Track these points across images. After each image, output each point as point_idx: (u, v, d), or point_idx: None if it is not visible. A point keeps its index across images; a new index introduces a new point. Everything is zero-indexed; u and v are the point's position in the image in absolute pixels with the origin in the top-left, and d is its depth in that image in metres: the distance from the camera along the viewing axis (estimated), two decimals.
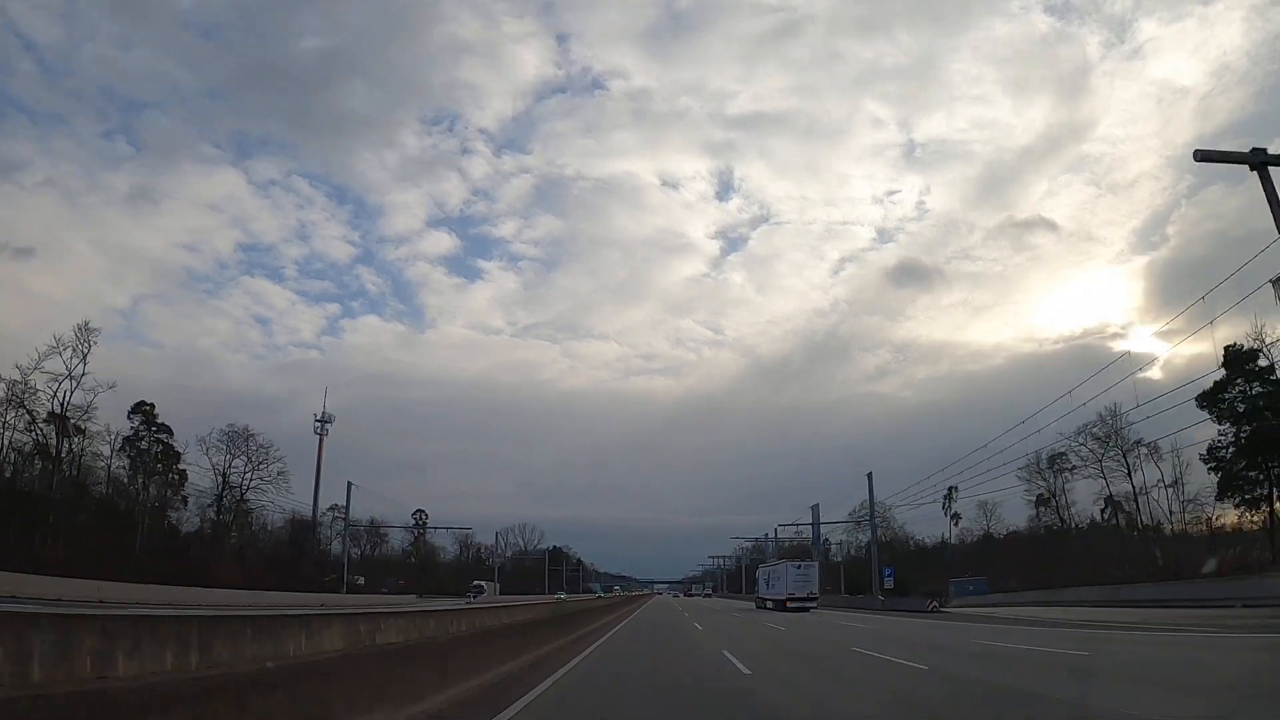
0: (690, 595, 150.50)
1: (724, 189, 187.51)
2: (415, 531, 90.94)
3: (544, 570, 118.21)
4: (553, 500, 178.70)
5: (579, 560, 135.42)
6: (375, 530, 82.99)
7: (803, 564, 52.11)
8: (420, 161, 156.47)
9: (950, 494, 70.98)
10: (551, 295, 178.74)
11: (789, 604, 49.30)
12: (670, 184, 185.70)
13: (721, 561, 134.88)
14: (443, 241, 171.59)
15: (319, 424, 69.66)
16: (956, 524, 77.08)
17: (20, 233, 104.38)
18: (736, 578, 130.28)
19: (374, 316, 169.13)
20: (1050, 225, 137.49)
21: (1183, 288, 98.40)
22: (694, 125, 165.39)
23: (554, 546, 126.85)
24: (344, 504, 67.47)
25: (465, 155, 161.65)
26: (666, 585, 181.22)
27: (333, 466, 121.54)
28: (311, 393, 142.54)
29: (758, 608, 59.10)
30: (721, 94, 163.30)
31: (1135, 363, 26.70)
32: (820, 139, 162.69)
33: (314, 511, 67.85)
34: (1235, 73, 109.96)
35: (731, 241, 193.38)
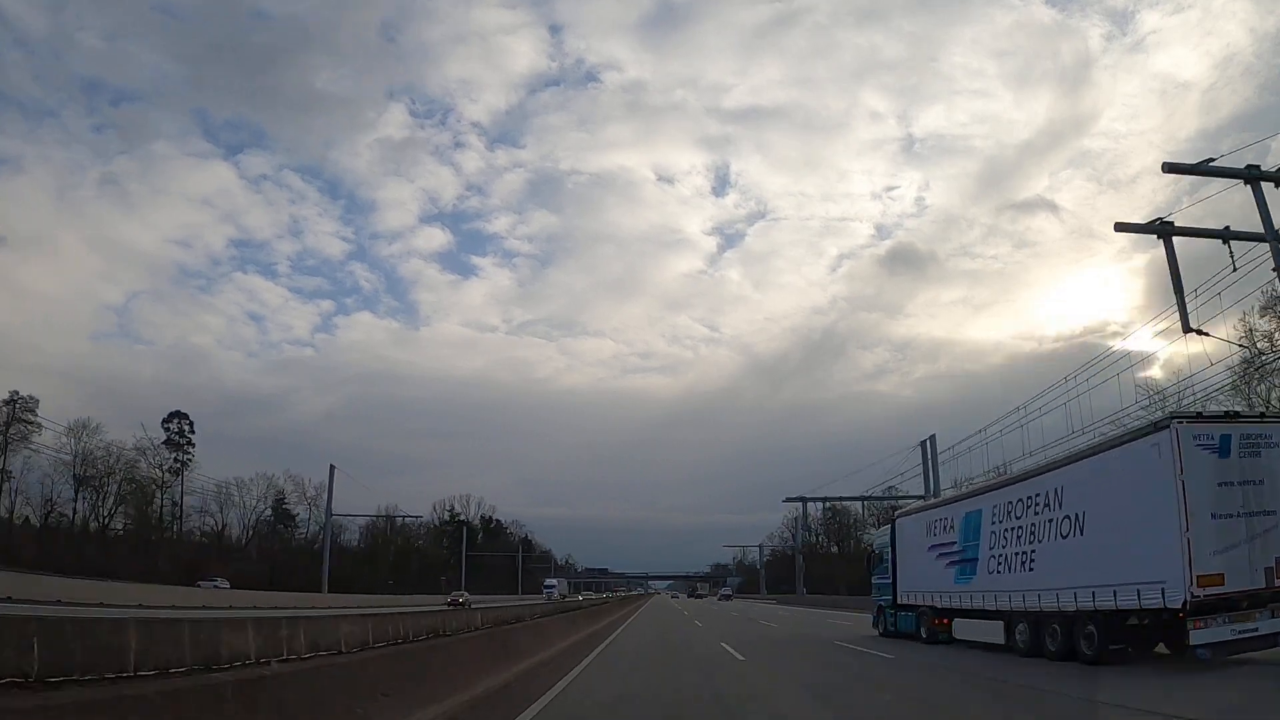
0: (698, 596, 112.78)
1: (720, 184, 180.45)
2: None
3: (517, 562, 79.16)
4: (549, 498, 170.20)
5: (525, 539, 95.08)
6: None
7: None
8: (412, 155, 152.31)
9: None
10: (546, 292, 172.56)
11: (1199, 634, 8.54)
12: (666, 179, 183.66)
13: (775, 542, 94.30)
14: (436, 237, 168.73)
15: None
16: None
17: (12, 229, 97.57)
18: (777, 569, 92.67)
19: (367, 313, 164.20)
20: (1051, 205, 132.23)
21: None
22: (689, 118, 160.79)
23: (488, 518, 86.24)
24: None
25: (458, 149, 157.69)
26: (668, 583, 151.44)
27: (327, 463, 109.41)
28: (307, 391, 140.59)
29: (885, 631, 20.00)
30: (717, 86, 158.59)
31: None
32: (818, 133, 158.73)
33: None
34: (1239, 65, 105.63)
35: (728, 237, 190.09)
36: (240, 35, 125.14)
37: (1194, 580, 10.01)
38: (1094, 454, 12.72)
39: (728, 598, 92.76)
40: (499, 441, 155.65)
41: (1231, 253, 16.55)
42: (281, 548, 70.08)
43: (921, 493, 44.88)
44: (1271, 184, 16.18)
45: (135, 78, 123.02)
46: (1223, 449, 10.54)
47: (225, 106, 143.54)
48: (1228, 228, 16.96)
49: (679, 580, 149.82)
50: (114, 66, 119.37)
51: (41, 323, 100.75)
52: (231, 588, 45.94)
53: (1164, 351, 23.76)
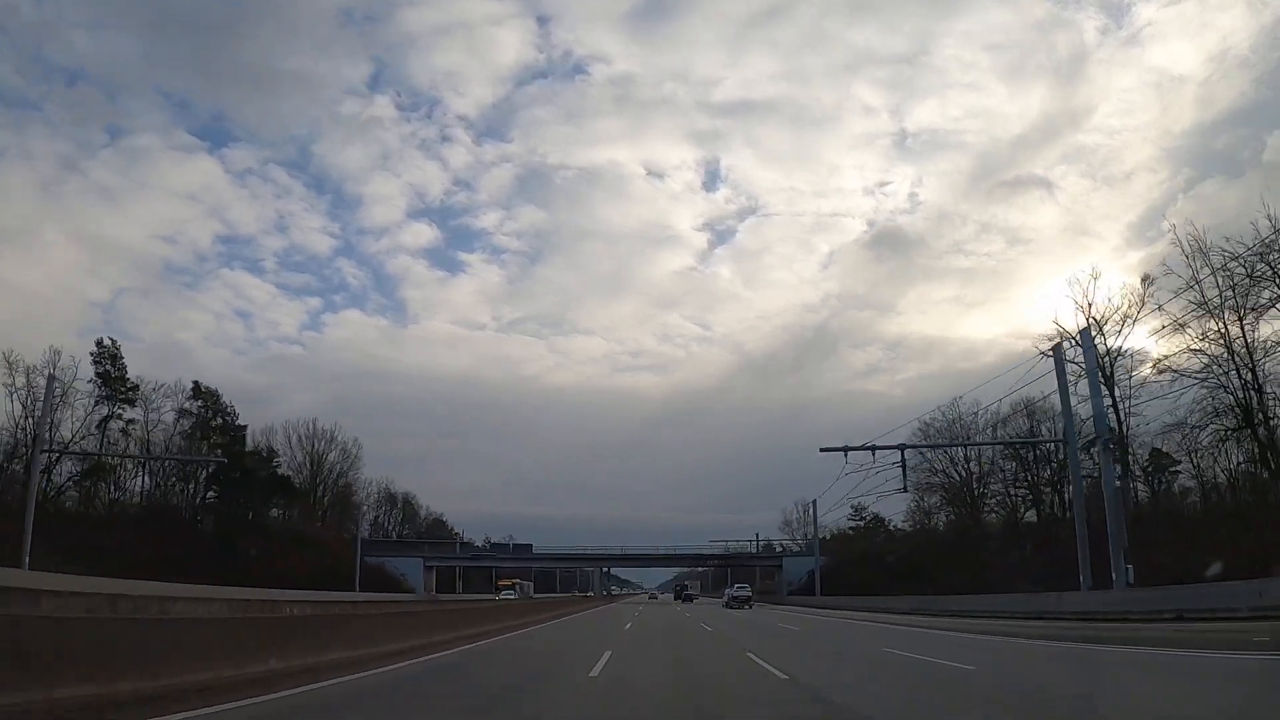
0: (687, 598, 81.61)
1: (711, 179, 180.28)
2: None
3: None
4: (547, 498, 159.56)
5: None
6: None
7: None
8: (398, 149, 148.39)
9: None
10: (536, 289, 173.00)
11: None
12: (655, 174, 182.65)
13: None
14: (423, 233, 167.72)
15: None
16: None
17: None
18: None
19: (356, 311, 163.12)
20: (1045, 183, 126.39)
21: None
22: (679, 112, 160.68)
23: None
24: None
25: (444, 143, 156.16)
26: (663, 580, 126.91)
27: None
28: (295, 389, 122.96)
29: None
30: (707, 80, 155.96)
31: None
32: (810, 127, 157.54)
33: None
34: (1235, 58, 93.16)
35: (719, 234, 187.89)
36: (222, 21, 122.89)
37: None
38: None
39: (743, 602, 55.00)
40: (489, 440, 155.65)
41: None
42: None
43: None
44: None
45: (116, 66, 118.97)
46: None
47: (208, 97, 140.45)
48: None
49: (683, 569, 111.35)
50: (93, 56, 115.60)
51: (26, 319, 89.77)
52: None
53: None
